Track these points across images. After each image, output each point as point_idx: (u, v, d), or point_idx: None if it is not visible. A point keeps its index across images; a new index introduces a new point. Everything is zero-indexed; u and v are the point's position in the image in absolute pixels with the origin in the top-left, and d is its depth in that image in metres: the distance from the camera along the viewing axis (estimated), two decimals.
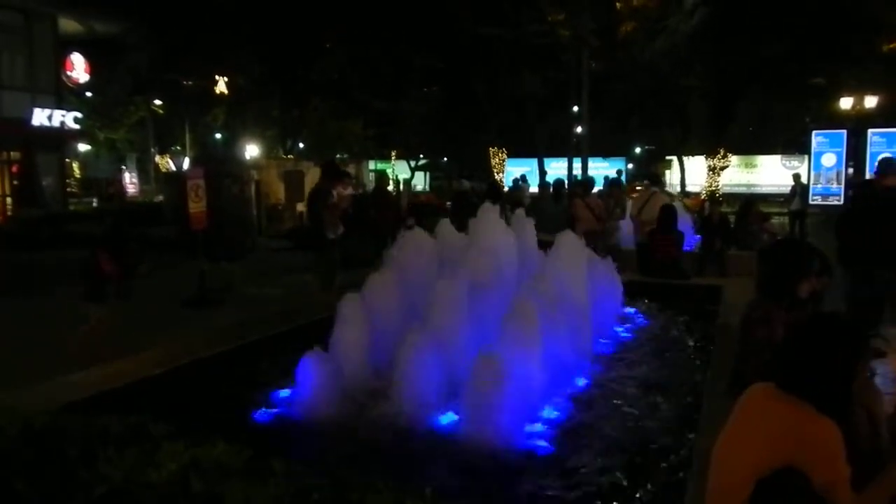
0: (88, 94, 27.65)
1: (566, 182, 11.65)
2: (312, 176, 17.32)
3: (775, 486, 2.19)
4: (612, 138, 33.75)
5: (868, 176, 18.52)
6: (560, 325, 5.24)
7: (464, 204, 11.01)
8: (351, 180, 10.73)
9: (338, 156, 35.54)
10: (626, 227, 11.49)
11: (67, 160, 26.16)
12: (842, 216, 6.46)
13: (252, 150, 31.12)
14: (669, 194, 15.29)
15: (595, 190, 11.10)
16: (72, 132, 21.27)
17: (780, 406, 2.29)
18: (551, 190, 11.55)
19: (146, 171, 34.44)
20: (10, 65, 19.46)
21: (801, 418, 2.22)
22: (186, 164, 25.13)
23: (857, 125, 17.00)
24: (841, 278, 6.09)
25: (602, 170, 30.96)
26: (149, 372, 5.10)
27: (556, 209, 10.67)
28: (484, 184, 18.38)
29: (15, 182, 19.57)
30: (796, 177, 18.25)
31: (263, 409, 4.78)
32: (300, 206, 17.66)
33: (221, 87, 27.97)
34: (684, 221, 11.59)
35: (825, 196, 20.22)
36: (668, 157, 35.43)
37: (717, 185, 30.14)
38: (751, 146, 35.94)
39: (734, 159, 32.22)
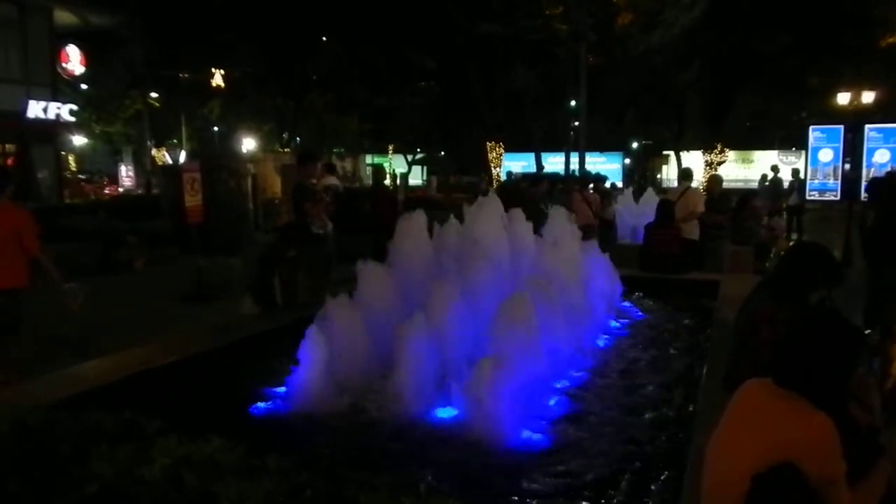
0: (84, 86, 27.51)
1: (559, 177, 11.65)
2: None
3: (771, 481, 2.18)
4: (609, 133, 33.73)
5: (865, 171, 18.57)
6: (556, 318, 5.24)
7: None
8: (334, 171, 10.59)
9: (335, 150, 35.49)
10: (628, 221, 11.51)
11: (63, 153, 26.05)
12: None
13: (249, 144, 31.07)
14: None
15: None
16: (67, 125, 21.18)
17: (777, 401, 2.29)
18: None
19: (142, 164, 34.33)
20: (5, 57, 19.35)
21: (798, 414, 2.22)
22: (183, 157, 25.03)
23: (855, 120, 16.97)
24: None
25: (599, 164, 30.97)
26: (144, 367, 5.07)
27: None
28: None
29: None
30: (795, 172, 18.27)
31: (259, 405, 4.77)
32: None
33: (218, 80, 27.84)
34: None
35: (822, 191, 20.28)
36: (664, 152, 35.41)
37: None
38: (747, 142, 35.97)
39: (731, 154, 32.25)
